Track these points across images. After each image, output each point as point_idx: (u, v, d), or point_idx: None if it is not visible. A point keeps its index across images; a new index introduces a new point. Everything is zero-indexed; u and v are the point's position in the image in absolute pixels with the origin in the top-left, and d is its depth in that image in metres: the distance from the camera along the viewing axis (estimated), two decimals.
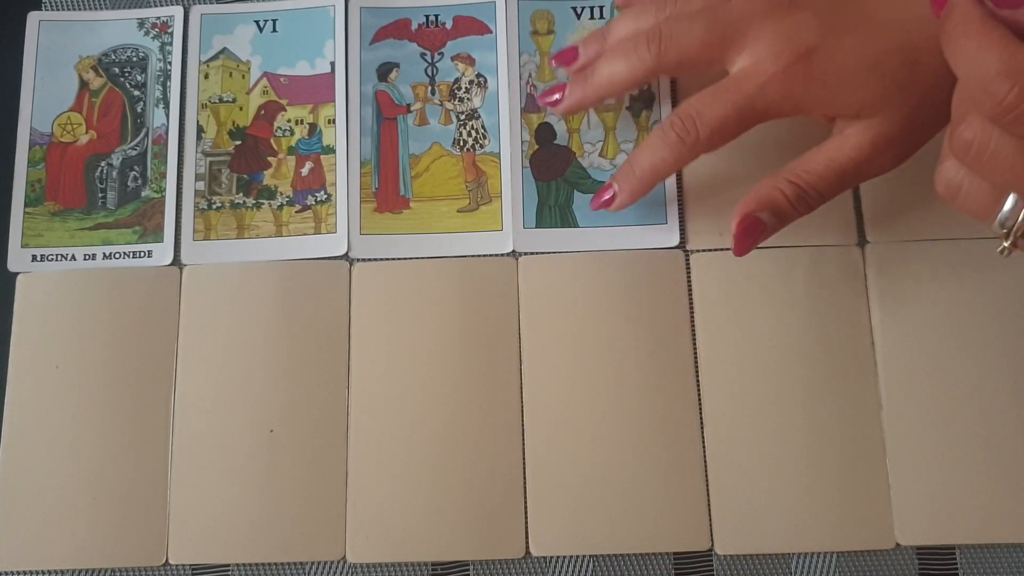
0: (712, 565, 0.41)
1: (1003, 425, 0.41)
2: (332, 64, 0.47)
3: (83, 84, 0.48)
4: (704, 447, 0.41)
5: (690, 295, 0.43)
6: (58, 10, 0.48)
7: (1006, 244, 0.29)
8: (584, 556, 0.41)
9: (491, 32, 0.47)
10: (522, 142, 0.45)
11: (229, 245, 0.45)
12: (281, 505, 0.41)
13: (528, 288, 0.43)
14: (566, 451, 0.41)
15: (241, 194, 0.46)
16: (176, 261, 0.45)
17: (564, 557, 0.41)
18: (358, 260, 0.44)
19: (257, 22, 0.48)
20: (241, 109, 0.47)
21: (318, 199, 0.45)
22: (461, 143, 0.46)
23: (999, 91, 0.24)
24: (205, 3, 0.48)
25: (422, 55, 0.47)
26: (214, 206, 0.46)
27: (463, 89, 0.47)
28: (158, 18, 0.48)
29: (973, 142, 0.26)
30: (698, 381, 0.42)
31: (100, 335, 0.44)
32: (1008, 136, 0.25)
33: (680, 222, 0.44)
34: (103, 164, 0.46)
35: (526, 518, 0.41)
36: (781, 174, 0.37)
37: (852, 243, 0.43)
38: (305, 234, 0.45)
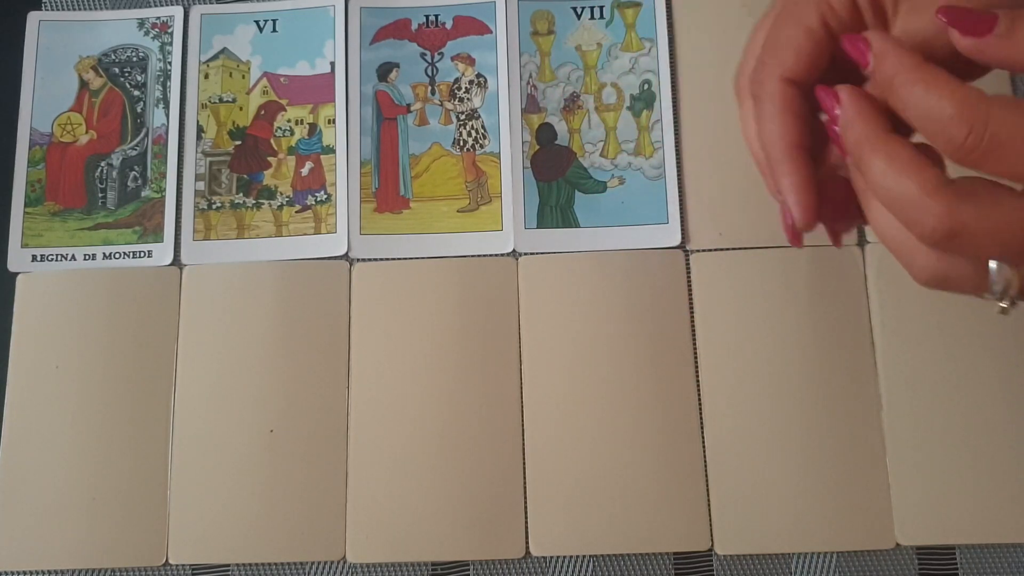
0: (712, 565, 0.41)
1: (1003, 425, 0.41)
2: (332, 64, 0.47)
3: (83, 84, 0.48)
4: (704, 447, 0.41)
5: (690, 295, 0.43)
6: (58, 10, 0.48)
7: (1003, 305, 0.29)
8: (584, 556, 0.41)
9: (491, 32, 0.47)
10: (523, 142, 0.45)
11: (229, 245, 0.45)
12: (281, 505, 0.41)
13: (528, 288, 0.43)
14: (566, 451, 0.41)
15: (241, 194, 0.46)
16: (176, 261, 0.45)
17: (564, 557, 0.41)
18: (358, 260, 0.44)
19: (257, 22, 0.48)
20: (241, 109, 0.47)
21: (318, 199, 0.45)
22: (461, 143, 0.46)
23: (958, 135, 0.25)
24: (205, 3, 0.48)
25: (422, 55, 0.47)
26: (214, 206, 0.46)
27: (463, 89, 0.47)
28: (158, 18, 0.48)
29: (958, 230, 0.26)
30: (698, 381, 0.42)
31: (100, 335, 0.44)
32: (984, 208, 0.25)
33: (681, 222, 0.44)
34: (103, 164, 0.46)
35: (526, 518, 0.41)
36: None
37: (852, 243, 0.43)
38: (305, 234, 0.45)
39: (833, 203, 0.29)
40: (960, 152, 0.25)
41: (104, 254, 0.45)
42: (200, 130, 0.47)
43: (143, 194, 0.46)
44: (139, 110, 0.47)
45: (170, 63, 0.48)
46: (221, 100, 0.47)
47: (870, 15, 0.30)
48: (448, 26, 0.47)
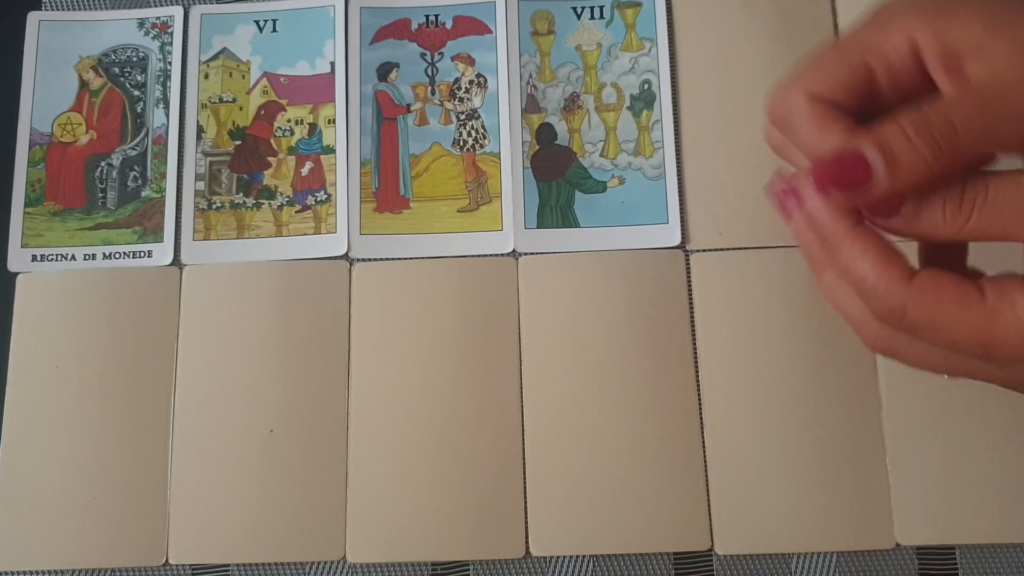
0: (712, 565, 0.41)
1: (1003, 425, 0.41)
2: (332, 64, 0.47)
3: (83, 84, 0.48)
4: (704, 447, 0.41)
5: (690, 295, 0.43)
6: (58, 10, 0.48)
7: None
8: (584, 556, 0.41)
9: (491, 32, 0.47)
10: (523, 142, 0.46)
11: (229, 245, 0.45)
12: (281, 505, 0.41)
13: (528, 288, 0.43)
14: (566, 451, 0.41)
15: (241, 194, 0.46)
16: (176, 261, 0.45)
17: (564, 557, 0.41)
18: (358, 260, 0.44)
19: (257, 22, 0.48)
20: (241, 109, 0.47)
21: (318, 199, 0.46)
22: (461, 143, 0.46)
23: (880, 311, 0.26)
24: (205, 3, 0.48)
25: (422, 55, 0.47)
26: (214, 206, 0.46)
27: (463, 89, 0.47)
28: (158, 18, 0.48)
29: (913, 326, 0.27)
30: (698, 381, 0.42)
31: (100, 335, 0.44)
32: (945, 311, 0.26)
33: (681, 222, 0.44)
34: (103, 164, 0.46)
35: (526, 518, 0.41)
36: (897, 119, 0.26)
37: None
38: (305, 234, 0.45)
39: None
40: (882, 321, 0.27)
41: (104, 254, 0.45)
42: (200, 130, 0.47)
43: (143, 194, 0.46)
44: (139, 110, 0.47)
45: (170, 63, 0.48)
46: (221, 100, 0.47)
47: (936, 64, 0.27)
48: (448, 26, 0.47)
